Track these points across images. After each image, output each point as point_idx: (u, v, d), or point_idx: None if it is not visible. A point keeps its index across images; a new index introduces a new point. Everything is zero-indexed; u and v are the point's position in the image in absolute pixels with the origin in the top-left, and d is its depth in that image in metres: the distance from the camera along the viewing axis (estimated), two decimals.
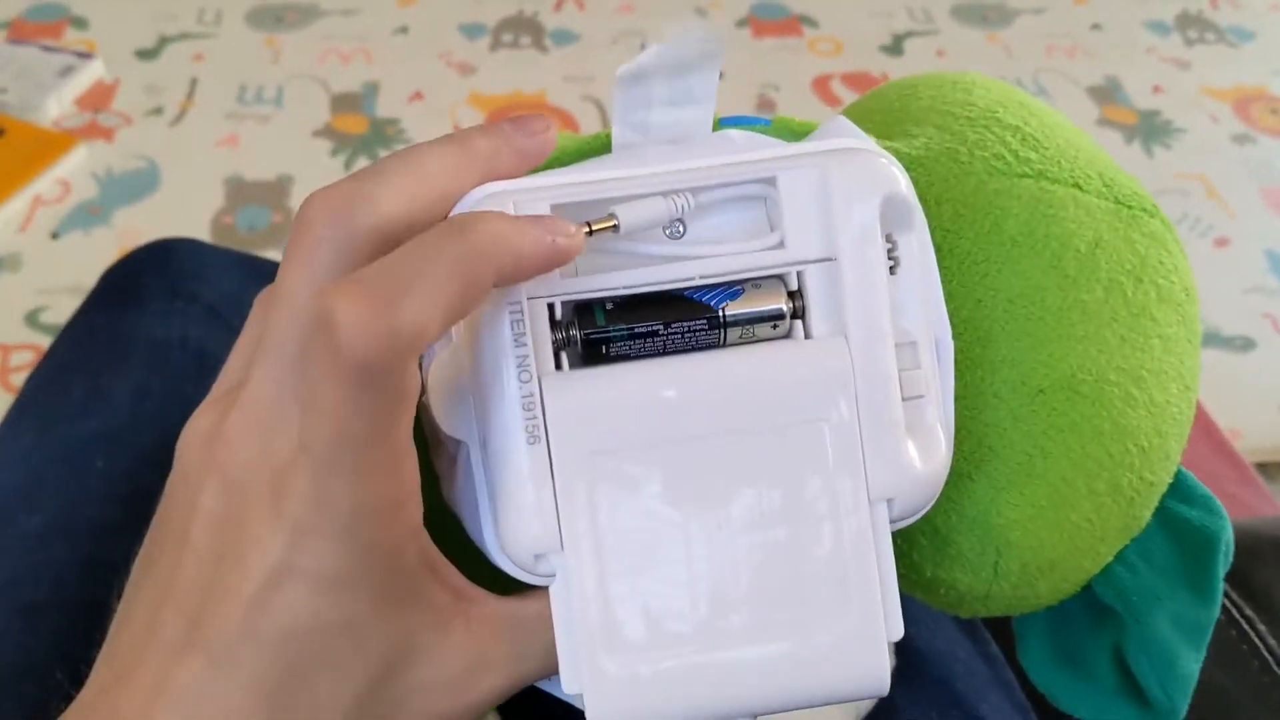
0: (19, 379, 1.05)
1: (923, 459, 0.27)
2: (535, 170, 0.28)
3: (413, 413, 0.24)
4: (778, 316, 0.27)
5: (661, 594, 0.26)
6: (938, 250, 0.30)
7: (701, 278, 0.26)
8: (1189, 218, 1.32)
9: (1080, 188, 0.31)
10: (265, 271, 0.56)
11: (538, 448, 0.25)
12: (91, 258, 1.15)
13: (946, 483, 0.28)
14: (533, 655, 0.27)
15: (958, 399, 0.29)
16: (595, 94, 1.42)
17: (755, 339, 0.27)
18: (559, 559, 0.26)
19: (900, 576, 0.28)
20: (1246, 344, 1.19)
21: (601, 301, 0.26)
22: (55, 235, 1.20)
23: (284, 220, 1.22)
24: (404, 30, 1.50)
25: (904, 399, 0.27)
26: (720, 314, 0.27)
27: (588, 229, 0.25)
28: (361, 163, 1.30)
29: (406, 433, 0.24)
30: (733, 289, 0.27)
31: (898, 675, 0.40)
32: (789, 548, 0.26)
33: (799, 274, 0.27)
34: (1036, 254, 0.30)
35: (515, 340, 0.25)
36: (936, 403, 0.27)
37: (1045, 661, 0.36)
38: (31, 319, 1.11)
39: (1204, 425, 1.03)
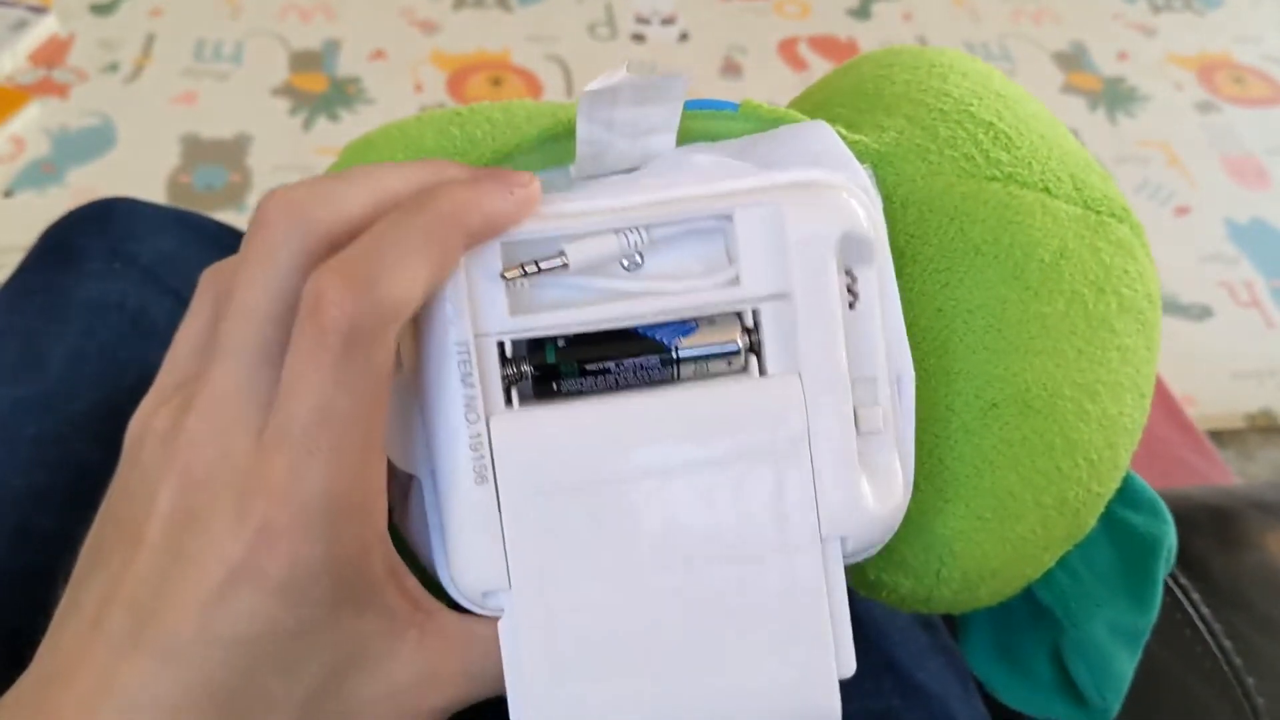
0: None
1: (877, 497, 0.27)
2: (502, 156, 0.28)
3: (387, 402, 0.24)
4: (732, 353, 0.27)
5: (611, 631, 0.26)
6: (901, 255, 0.30)
7: (655, 315, 0.26)
8: (1150, 185, 1.32)
9: (1049, 192, 0.31)
10: (203, 229, 0.55)
11: (485, 487, 0.25)
12: (45, 217, 1.11)
13: None
14: (483, 675, 0.27)
15: None
16: (560, 54, 1.41)
17: (710, 375, 0.27)
18: (507, 596, 0.26)
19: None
20: (1203, 312, 1.20)
21: (554, 337, 0.26)
22: (8, 193, 1.18)
23: (242, 180, 1.21)
24: None
25: (860, 434, 0.27)
26: (673, 351, 0.26)
27: (536, 268, 0.25)
28: (321, 122, 1.28)
29: (381, 426, 0.24)
30: (686, 325, 0.27)
31: None
32: (740, 584, 0.26)
33: (754, 310, 0.27)
34: (1000, 263, 0.30)
35: (463, 380, 0.25)
36: (894, 438, 0.27)
37: (986, 655, 0.37)
38: None
39: (1158, 393, 1.04)
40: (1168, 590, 0.47)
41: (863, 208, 0.27)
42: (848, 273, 0.27)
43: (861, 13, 1.53)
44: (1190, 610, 0.46)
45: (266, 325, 0.24)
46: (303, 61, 1.36)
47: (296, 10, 1.44)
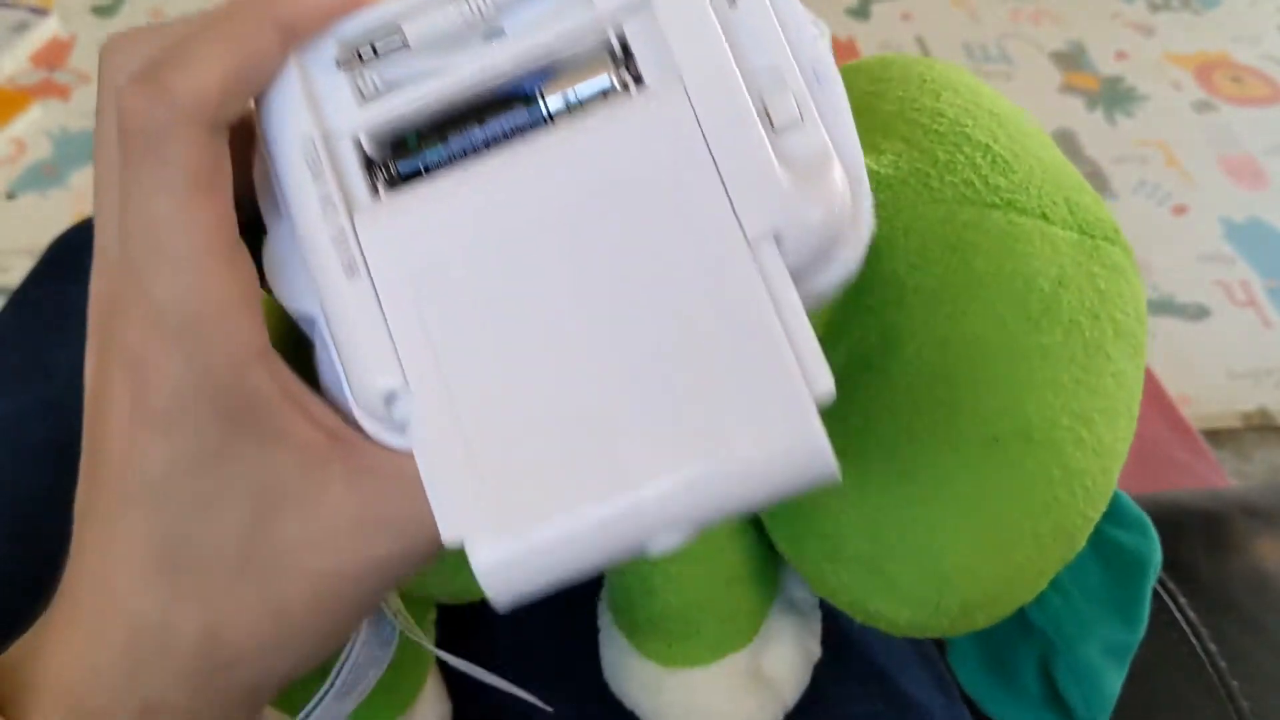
0: None
1: (806, 185, 0.22)
2: None
3: (221, 200, 0.23)
4: (606, 90, 0.24)
5: (534, 416, 0.22)
6: (902, 285, 0.29)
7: (512, 64, 0.23)
8: (1147, 185, 1.33)
9: (1047, 218, 0.31)
10: None
11: (359, 283, 0.23)
12: (47, 219, 1.13)
13: (892, 523, 0.28)
14: (424, 522, 0.23)
15: (911, 440, 0.28)
16: None
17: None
18: (409, 401, 0.23)
19: (844, 607, 0.28)
20: (1200, 312, 1.20)
21: (415, 130, 0.24)
22: (10, 195, 1.18)
23: None
24: None
25: (776, 129, 0.23)
26: (539, 98, 0.24)
27: (373, 51, 0.23)
28: None
29: (223, 225, 0.23)
30: (548, 70, 0.24)
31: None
32: (671, 330, 0.22)
33: (622, 37, 0.24)
34: (1002, 293, 0.30)
35: (314, 176, 0.23)
36: (818, 127, 0.23)
37: (975, 668, 0.37)
38: None
39: (1154, 393, 1.05)
40: (1155, 594, 0.48)
41: None
42: None
43: (860, 13, 1.53)
44: (1177, 613, 0.47)
45: (109, 152, 0.24)
46: None
47: None
